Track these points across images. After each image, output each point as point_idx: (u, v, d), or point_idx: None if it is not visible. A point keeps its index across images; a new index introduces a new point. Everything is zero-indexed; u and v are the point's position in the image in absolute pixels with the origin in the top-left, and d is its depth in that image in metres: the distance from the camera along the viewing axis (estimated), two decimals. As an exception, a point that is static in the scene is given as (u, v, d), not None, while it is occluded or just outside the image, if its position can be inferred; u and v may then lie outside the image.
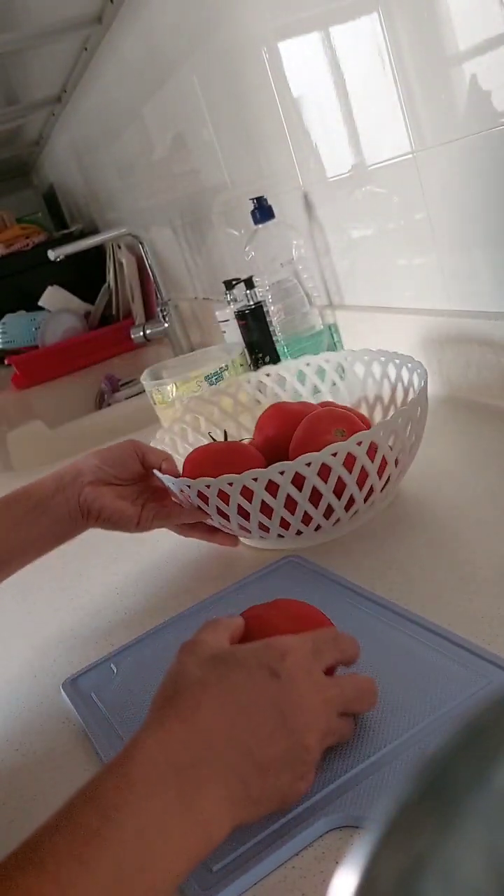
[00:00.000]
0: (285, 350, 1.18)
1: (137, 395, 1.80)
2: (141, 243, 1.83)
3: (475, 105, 0.77)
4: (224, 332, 1.48)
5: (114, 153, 2.12)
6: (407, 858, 0.19)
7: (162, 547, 0.86)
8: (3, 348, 2.41)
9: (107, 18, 1.48)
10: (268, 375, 0.94)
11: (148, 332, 1.84)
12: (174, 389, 1.24)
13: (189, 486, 0.70)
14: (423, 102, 0.84)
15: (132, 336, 1.87)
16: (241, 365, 1.28)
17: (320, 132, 1.06)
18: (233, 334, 1.39)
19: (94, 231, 2.61)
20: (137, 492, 0.75)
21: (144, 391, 1.33)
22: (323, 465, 0.66)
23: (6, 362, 2.29)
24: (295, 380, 0.95)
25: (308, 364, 0.94)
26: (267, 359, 1.28)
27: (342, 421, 0.75)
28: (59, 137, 2.59)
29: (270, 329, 1.21)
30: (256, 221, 1.15)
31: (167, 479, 0.73)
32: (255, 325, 1.28)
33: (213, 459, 0.76)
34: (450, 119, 0.81)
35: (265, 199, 1.15)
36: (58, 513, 0.70)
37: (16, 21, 1.53)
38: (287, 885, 0.41)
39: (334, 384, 0.93)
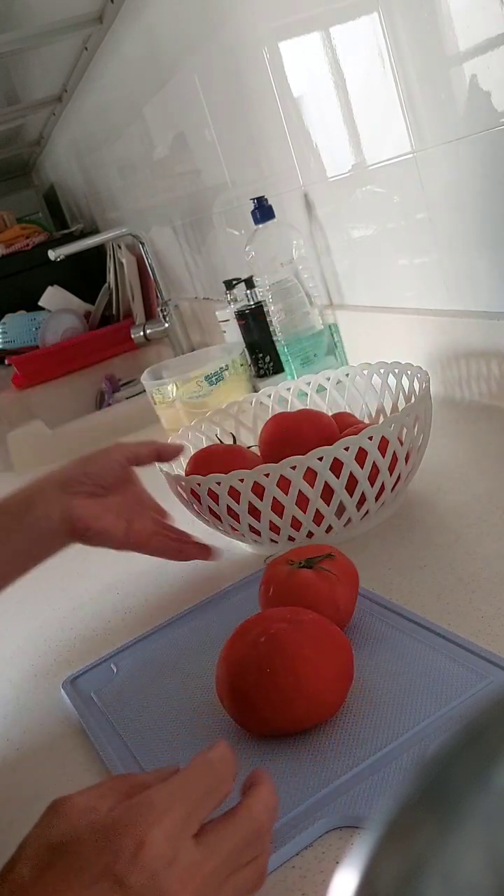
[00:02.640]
0: (285, 350, 1.18)
1: (138, 395, 1.80)
2: (141, 243, 1.83)
3: (475, 105, 0.77)
4: (224, 332, 1.48)
5: (114, 153, 2.12)
6: (407, 858, 0.19)
7: (162, 547, 0.86)
8: (3, 348, 2.41)
9: (107, 18, 1.48)
10: (269, 396, 0.92)
11: (148, 332, 1.84)
12: (174, 389, 1.24)
13: (184, 483, 0.70)
14: (424, 102, 0.84)
15: (132, 336, 1.87)
16: (242, 365, 1.28)
17: (321, 132, 1.06)
18: (233, 334, 1.39)
19: (95, 231, 2.61)
20: (123, 504, 0.68)
21: (145, 391, 1.33)
22: (309, 468, 0.66)
23: (6, 362, 2.29)
24: (296, 399, 0.93)
25: (308, 383, 0.92)
26: (267, 359, 1.28)
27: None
28: (59, 137, 2.59)
29: (270, 329, 1.21)
30: (257, 221, 1.15)
31: (164, 469, 0.73)
32: (255, 325, 1.28)
33: (212, 460, 0.76)
34: (450, 119, 0.81)
35: (265, 199, 1.15)
36: (34, 533, 0.63)
37: (16, 21, 1.53)
38: (287, 885, 0.41)
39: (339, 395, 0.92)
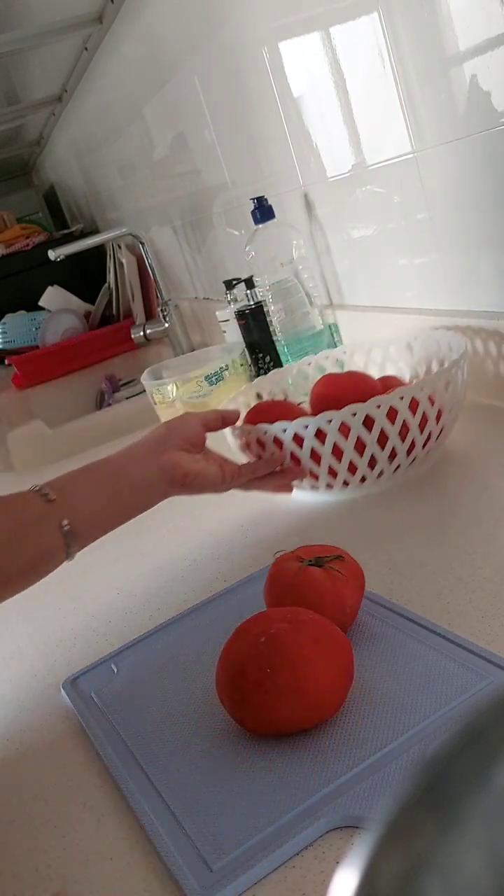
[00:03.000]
0: (285, 350, 1.18)
1: (138, 395, 1.80)
2: (141, 243, 1.83)
3: (476, 105, 0.77)
4: (224, 332, 1.48)
5: (114, 153, 2.12)
6: (407, 858, 0.19)
7: (162, 547, 0.86)
8: (3, 348, 2.41)
9: (107, 18, 1.48)
10: (326, 358, 1.00)
11: (148, 332, 1.84)
12: (174, 389, 1.24)
13: (237, 432, 0.80)
14: (424, 102, 0.84)
15: (132, 336, 1.87)
16: (242, 365, 1.28)
17: (321, 132, 1.06)
18: (233, 334, 1.39)
19: (95, 231, 2.61)
20: (208, 456, 0.76)
21: (145, 391, 1.33)
22: (343, 423, 0.74)
23: (6, 362, 2.29)
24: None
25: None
26: (267, 359, 1.28)
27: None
28: (59, 137, 2.59)
29: (270, 329, 1.21)
30: (257, 221, 1.15)
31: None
32: (255, 325, 1.28)
33: (266, 413, 0.85)
34: (450, 119, 0.81)
35: (265, 199, 1.15)
36: (136, 481, 0.69)
37: (17, 21, 1.53)
38: (287, 885, 0.41)
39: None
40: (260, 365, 1.30)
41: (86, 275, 2.51)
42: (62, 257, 1.74)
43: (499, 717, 0.21)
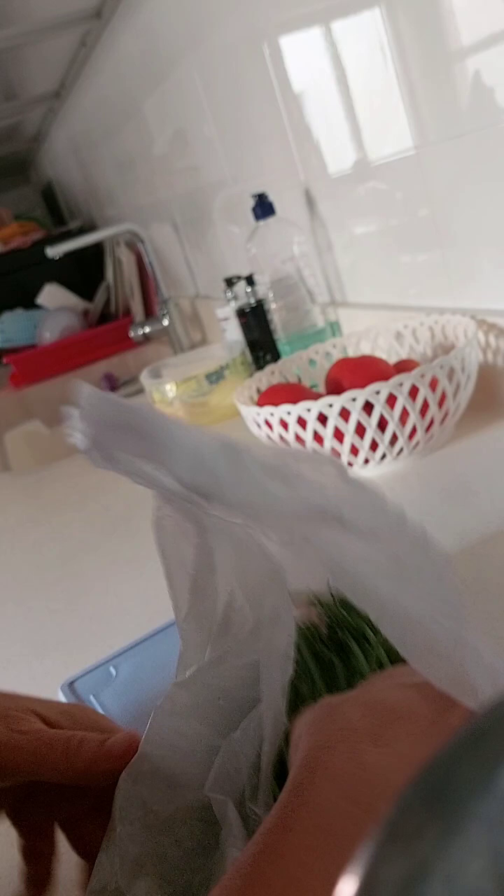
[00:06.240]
0: (286, 348, 1.17)
1: (137, 394, 1.79)
2: (140, 240, 1.83)
3: (478, 101, 0.76)
4: (224, 330, 1.47)
5: (113, 149, 2.11)
6: (410, 863, 0.19)
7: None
8: (1, 347, 2.40)
9: (106, 13, 1.47)
10: (334, 346, 1.03)
11: (147, 330, 1.84)
12: (174, 388, 1.24)
13: (249, 414, 0.84)
14: (426, 98, 0.83)
15: (131, 334, 1.87)
16: (242, 363, 1.28)
17: (322, 128, 1.05)
18: (233, 332, 1.38)
19: (93, 228, 2.60)
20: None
21: (144, 390, 1.33)
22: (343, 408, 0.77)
23: (4, 361, 2.28)
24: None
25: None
26: (268, 357, 1.28)
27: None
28: (57, 133, 2.58)
29: (271, 327, 1.20)
30: (257, 218, 1.15)
31: None
32: (255, 323, 1.27)
33: (278, 394, 0.88)
34: (453, 115, 0.80)
35: (266, 196, 1.14)
36: None
37: (14, 16, 1.53)
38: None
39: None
40: (260, 363, 1.30)
41: (84, 272, 2.50)
42: (61, 255, 1.74)
43: (502, 718, 0.20)
